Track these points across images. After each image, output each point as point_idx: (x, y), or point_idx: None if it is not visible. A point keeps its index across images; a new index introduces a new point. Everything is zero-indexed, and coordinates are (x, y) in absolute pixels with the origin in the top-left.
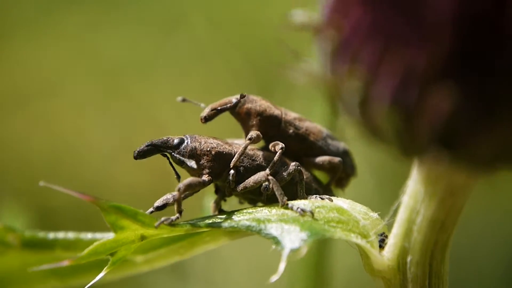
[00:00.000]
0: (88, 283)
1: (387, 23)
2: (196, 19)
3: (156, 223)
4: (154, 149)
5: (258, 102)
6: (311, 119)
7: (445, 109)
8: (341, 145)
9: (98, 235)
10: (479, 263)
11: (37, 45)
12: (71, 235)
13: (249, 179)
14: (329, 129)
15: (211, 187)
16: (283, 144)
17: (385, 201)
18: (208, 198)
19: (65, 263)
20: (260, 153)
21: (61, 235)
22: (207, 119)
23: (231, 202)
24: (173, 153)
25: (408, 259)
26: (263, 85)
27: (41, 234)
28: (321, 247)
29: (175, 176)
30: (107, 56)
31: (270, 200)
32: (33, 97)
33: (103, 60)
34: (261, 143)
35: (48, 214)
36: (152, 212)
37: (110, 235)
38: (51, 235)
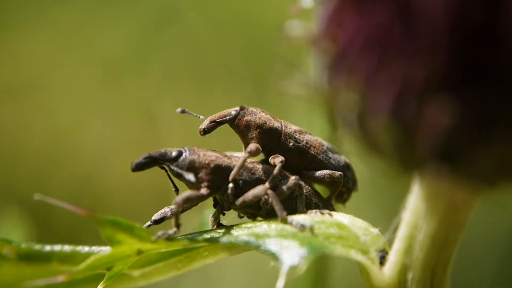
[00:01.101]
0: None
1: (383, 34)
2: (191, 13)
3: (153, 238)
4: (152, 161)
5: (258, 115)
6: (311, 132)
7: (444, 123)
8: (342, 158)
9: (94, 248)
10: (476, 257)
11: (32, 38)
12: (67, 248)
13: (248, 193)
14: (329, 140)
15: (210, 201)
16: (283, 158)
17: (386, 216)
18: (207, 212)
19: (61, 278)
20: (259, 167)
21: (57, 247)
22: (206, 131)
23: (230, 216)
24: (171, 166)
25: (409, 276)
26: (257, 80)
27: (37, 247)
28: (320, 263)
29: (174, 189)
30: (102, 50)
31: (269, 214)
32: (28, 90)
33: (98, 54)
34: (261, 156)
35: (43, 211)
36: (149, 225)
37: (106, 249)
38: (48, 247)
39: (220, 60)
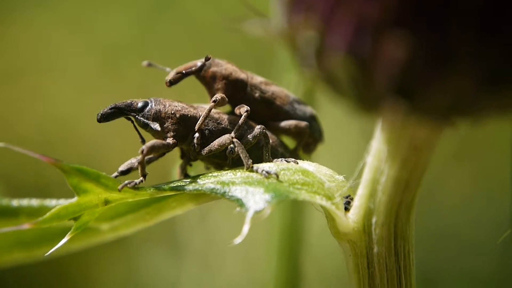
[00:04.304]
0: (56, 254)
1: None
2: None
3: (120, 186)
4: (118, 112)
5: (223, 66)
6: (277, 84)
7: (399, 57)
8: (308, 109)
9: (62, 201)
10: (477, 244)
11: (32, 24)
12: (35, 202)
13: (214, 142)
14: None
15: (177, 154)
16: (248, 107)
17: (353, 165)
18: (175, 167)
19: (26, 226)
20: (225, 117)
21: (25, 202)
22: (172, 82)
23: (198, 168)
24: (137, 116)
25: (373, 220)
26: (260, 65)
27: (4, 201)
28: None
29: (140, 140)
30: (101, 35)
31: (236, 164)
32: (26, 76)
33: (98, 39)
34: (228, 108)
35: (42, 190)
36: (116, 176)
37: (74, 200)
38: (15, 202)
39: (220, 42)
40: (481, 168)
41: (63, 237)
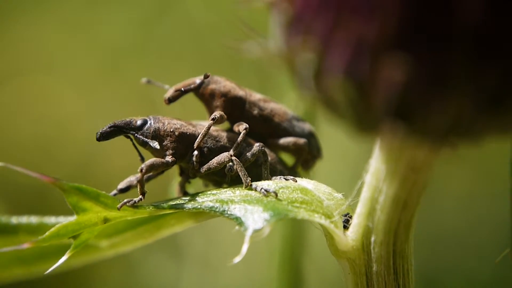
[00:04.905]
0: (55, 271)
1: None
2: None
3: (119, 205)
4: (117, 130)
5: (222, 83)
6: (276, 100)
7: (397, 80)
8: (307, 126)
9: (61, 219)
10: (477, 244)
11: (33, 25)
12: (34, 219)
13: (213, 160)
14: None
15: (177, 171)
16: (247, 125)
17: (353, 182)
18: (174, 184)
19: (26, 245)
20: (224, 134)
21: (24, 219)
22: (170, 100)
23: (197, 185)
24: (136, 135)
25: (372, 239)
26: (261, 69)
27: (4, 219)
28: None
29: (139, 158)
30: (102, 37)
31: (234, 182)
32: (26, 74)
33: (99, 41)
34: (227, 125)
35: (40, 190)
36: (115, 194)
37: (73, 218)
38: (14, 219)
39: (221, 45)
40: (481, 169)
41: (62, 252)
